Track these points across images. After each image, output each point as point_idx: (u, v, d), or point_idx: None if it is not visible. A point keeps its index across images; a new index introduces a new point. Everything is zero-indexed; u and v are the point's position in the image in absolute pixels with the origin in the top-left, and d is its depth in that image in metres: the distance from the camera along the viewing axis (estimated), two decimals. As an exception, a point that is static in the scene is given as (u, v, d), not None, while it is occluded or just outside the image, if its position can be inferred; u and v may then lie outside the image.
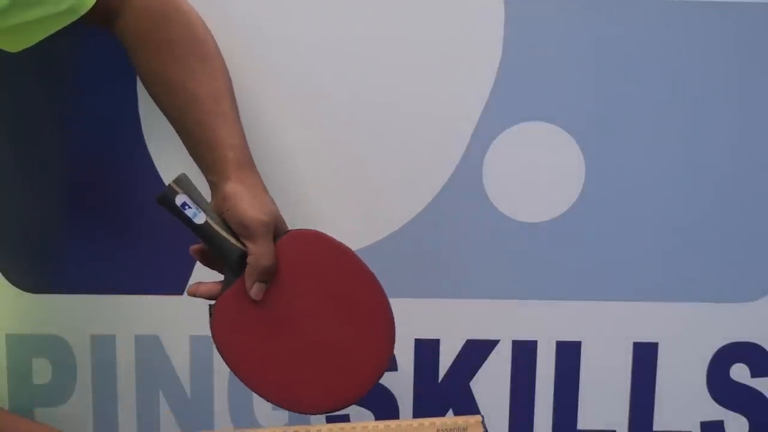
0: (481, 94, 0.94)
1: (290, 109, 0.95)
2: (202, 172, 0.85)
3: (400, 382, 1.00)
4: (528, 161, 0.96)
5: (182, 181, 0.82)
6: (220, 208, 0.82)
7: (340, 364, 0.83)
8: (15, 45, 0.84)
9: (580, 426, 1.01)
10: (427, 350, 0.99)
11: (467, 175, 0.96)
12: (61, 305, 0.98)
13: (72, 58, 0.94)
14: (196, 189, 0.82)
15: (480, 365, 1.00)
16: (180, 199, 0.81)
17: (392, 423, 0.79)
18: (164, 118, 0.94)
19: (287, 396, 0.83)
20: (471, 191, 0.96)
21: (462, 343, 0.99)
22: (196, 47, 0.86)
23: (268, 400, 0.84)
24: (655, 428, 1.01)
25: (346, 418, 1.00)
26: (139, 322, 0.98)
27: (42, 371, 0.99)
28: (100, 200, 0.97)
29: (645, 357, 1.00)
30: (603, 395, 1.00)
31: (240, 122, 0.86)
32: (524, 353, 1.00)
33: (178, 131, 0.87)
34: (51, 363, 0.99)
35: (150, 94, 0.88)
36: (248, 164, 0.84)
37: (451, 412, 1.01)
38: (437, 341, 1.00)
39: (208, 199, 0.84)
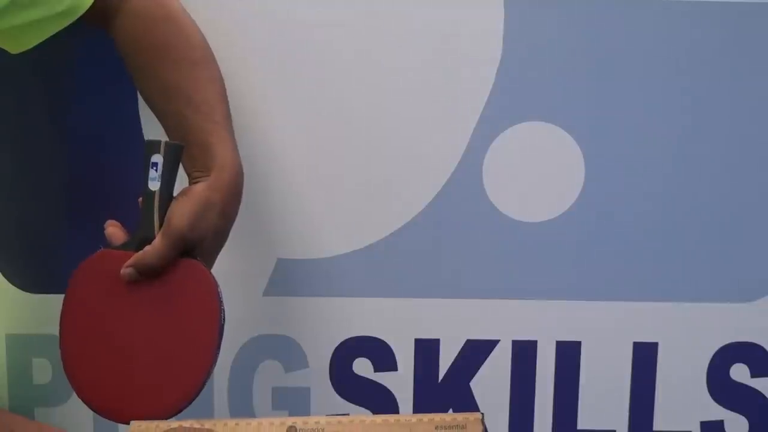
0: (481, 94, 0.94)
1: (289, 110, 0.95)
2: (189, 168, 0.85)
3: (400, 382, 1.00)
4: (528, 161, 0.96)
5: (172, 148, 0.82)
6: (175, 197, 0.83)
7: (150, 387, 0.82)
8: (14, 47, 0.84)
9: (580, 426, 1.01)
10: (427, 350, 0.99)
11: (467, 175, 0.96)
12: (60, 305, 0.98)
13: (72, 58, 0.94)
14: (177, 166, 0.83)
15: (480, 365, 1.00)
16: (156, 158, 0.82)
17: (391, 417, 0.78)
18: (164, 118, 0.94)
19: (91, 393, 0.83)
20: (471, 191, 0.96)
21: (462, 343, 0.99)
22: (191, 52, 0.86)
23: (66, 373, 0.84)
24: (655, 428, 1.01)
25: (346, 418, 1.00)
26: (139, 322, 0.98)
27: (42, 371, 0.99)
28: (100, 200, 0.97)
29: (645, 357, 1.00)
30: (603, 395, 1.00)
31: (232, 130, 0.86)
32: (524, 353, 1.00)
33: (170, 134, 0.87)
34: (51, 363, 0.99)
35: (143, 98, 0.89)
36: (229, 182, 0.84)
37: (451, 411, 1.01)
38: (437, 341, 1.00)
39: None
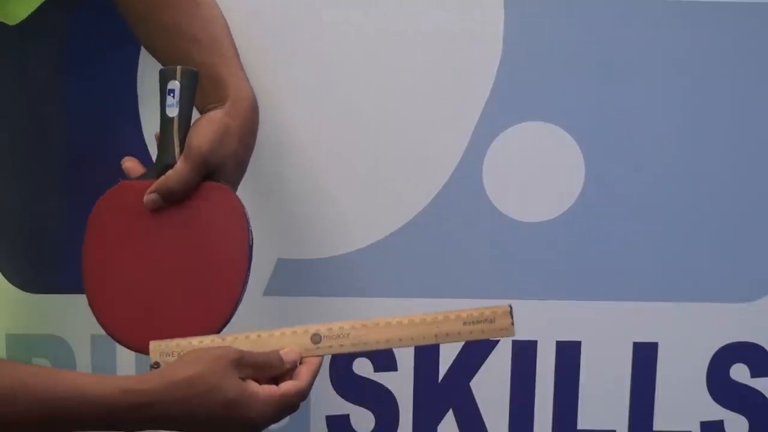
0: (481, 94, 0.94)
1: (288, 110, 0.95)
2: (201, 102, 0.84)
3: (400, 382, 1.00)
4: (528, 161, 0.96)
5: (188, 74, 0.81)
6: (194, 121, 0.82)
7: (177, 317, 0.80)
8: (11, 16, 0.83)
9: (580, 426, 1.01)
10: (427, 350, 0.99)
11: (467, 175, 0.96)
12: (61, 305, 0.98)
13: (72, 58, 0.94)
14: (194, 93, 0.82)
15: (480, 365, 1.00)
16: (173, 84, 0.81)
17: (416, 317, 0.77)
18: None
19: (115, 320, 0.81)
20: (471, 191, 0.96)
21: (462, 342, 0.99)
22: None
23: (92, 308, 0.81)
24: (655, 428, 1.01)
25: (346, 418, 1.00)
26: (139, 322, 0.98)
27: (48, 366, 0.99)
28: (100, 200, 0.97)
29: (645, 357, 1.00)
30: (603, 395, 1.00)
31: (240, 62, 0.86)
32: (524, 353, 1.00)
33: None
34: (51, 363, 0.99)
35: (146, 47, 0.88)
36: (247, 109, 0.84)
37: (451, 411, 1.01)
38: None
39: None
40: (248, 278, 0.81)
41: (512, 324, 0.77)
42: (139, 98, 0.94)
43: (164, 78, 0.81)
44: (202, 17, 0.86)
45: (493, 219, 0.97)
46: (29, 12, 0.83)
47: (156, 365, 0.76)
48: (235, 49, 0.87)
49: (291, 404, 0.75)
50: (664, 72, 0.94)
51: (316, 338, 0.77)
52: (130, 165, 0.84)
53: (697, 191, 0.97)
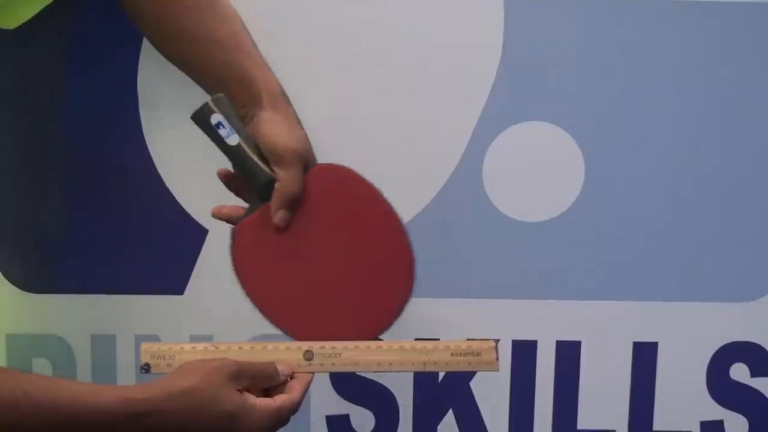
0: (481, 94, 0.94)
1: (290, 109, 0.95)
2: (240, 86, 0.84)
3: (400, 382, 1.00)
4: (528, 161, 0.96)
5: (220, 100, 0.81)
6: (254, 134, 0.82)
7: (354, 300, 0.83)
8: (10, 20, 0.83)
9: (580, 426, 1.01)
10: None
11: (467, 175, 0.96)
12: (61, 305, 0.98)
13: (72, 58, 0.94)
14: (233, 110, 0.82)
15: (480, 365, 1.00)
16: (216, 118, 0.80)
17: (407, 344, 0.79)
18: (164, 117, 0.94)
19: (300, 326, 0.83)
20: (471, 191, 0.96)
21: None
22: None
23: (280, 329, 0.83)
24: (655, 428, 1.01)
25: (346, 418, 1.00)
26: (139, 322, 0.98)
27: (42, 371, 0.99)
28: (100, 200, 0.97)
29: (645, 357, 1.00)
30: (603, 395, 1.00)
31: (263, 57, 0.85)
32: (524, 353, 1.00)
33: (201, 82, 0.86)
34: (51, 363, 0.99)
35: (163, 53, 0.87)
36: (281, 95, 0.84)
37: (451, 411, 1.01)
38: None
39: None
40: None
41: (497, 359, 0.80)
42: (139, 98, 0.94)
43: (202, 118, 0.81)
44: (218, 15, 0.85)
45: (493, 219, 0.97)
46: (27, 18, 0.83)
47: (146, 366, 0.76)
48: (253, 41, 0.86)
49: (284, 418, 0.76)
50: (664, 72, 0.94)
51: (308, 355, 0.79)
52: (228, 212, 0.84)
53: (697, 191, 0.97)
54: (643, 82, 0.94)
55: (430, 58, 0.94)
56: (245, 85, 0.83)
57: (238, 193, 0.85)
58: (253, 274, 0.82)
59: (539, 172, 0.96)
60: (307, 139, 0.84)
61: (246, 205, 0.84)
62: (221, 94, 0.81)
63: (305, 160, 0.82)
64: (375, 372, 0.80)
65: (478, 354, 0.80)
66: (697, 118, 0.95)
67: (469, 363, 0.80)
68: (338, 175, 0.83)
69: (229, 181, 0.85)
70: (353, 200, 0.83)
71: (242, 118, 0.83)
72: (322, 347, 0.79)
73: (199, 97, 0.90)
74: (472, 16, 0.93)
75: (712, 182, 0.96)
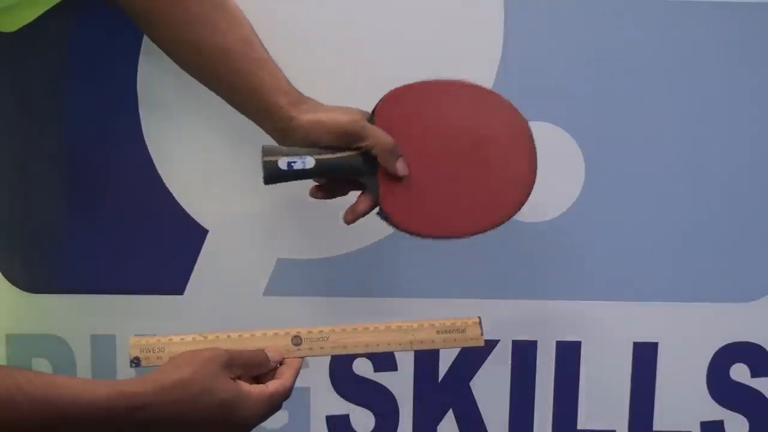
0: (481, 94, 0.94)
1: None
2: (263, 123, 0.85)
3: (400, 382, 1.00)
4: (528, 161, 0.96)
5: (269, 149, 0.82)
6: (311, 142, 0.82)
7: (484, 189, 0.85)
8: (9, 24, 0.83)
9: (580, 426, 1.01)
10: (427, 350, 0.99)
11: (467, 175, 0.96)
12: (61, 305, 0.98)
13: (72, 58, 0.94)
14: (282, 147, 0.83)
15: (480, 365, 1.00)
16: (282, 162, 0.81)
17: (393, 324, 0.81)
18: (164, 117, 0.94)
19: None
20: (471, 191, 0.96)
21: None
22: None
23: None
24: (655, 428, 1.01)
25: (346, 419, 1.00)
26: (139, 322, 0.98)
27: (42, 371, 0.99)
28: (100, 200, 0.97)
29: (645, 357, 1.00)
30: (603, 395, 1.00)
31: (273, 60, 0.86)
32: (524, 353, 1.00)
33: (218, 91, 0.86)
34: (51, 363, 0.99)
35: (177, 62, 0.87)
36: (302, 97, 0.84)
37: (451, 411, 1.01)
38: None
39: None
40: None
41: (481, 334, 0.81)
42: (139, 98, 0.94)
43: (274, 172, 0.81)
44: (226, 21, 0.85)
45: (493, 219, 0.97)
46: (28, 21, 0.83)
47: (136, 360, 0.77)
48: (263, 46, 0.86)
49: (277, 404, 0.76)
50: (665, 72, 0.94)
51: (296, 340, 0.79)
52: (360, 209, 0.85)
53: (697, 191, 0.97)
54: (643, 82, 0.94)
55: (430, 58, 0.94)
56: (262, 96, 0.83)
57: (338, 194, 0.87)
58: (417, 220, 0.84)
59: (539, 172, 0.96)
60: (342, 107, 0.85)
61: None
62: (263, 145, 0.82)
63: (364, 114, 0.83)
64: (363, 353, 0.81)
65: (463, 330, 0.81)
66: (697, 118, 0.95)
67: (455, 340, 0.81)
68: (401, 99, 0.84)
69: (323, 193, 0.86)
70: (431, 108, 0.85)
71: (278, 132, 0.84)
72: (310, 332, 0.80)
73: (199, 97, 0.90)
74: (473, 16, 0.93)
75: (712, 182, 0.96)
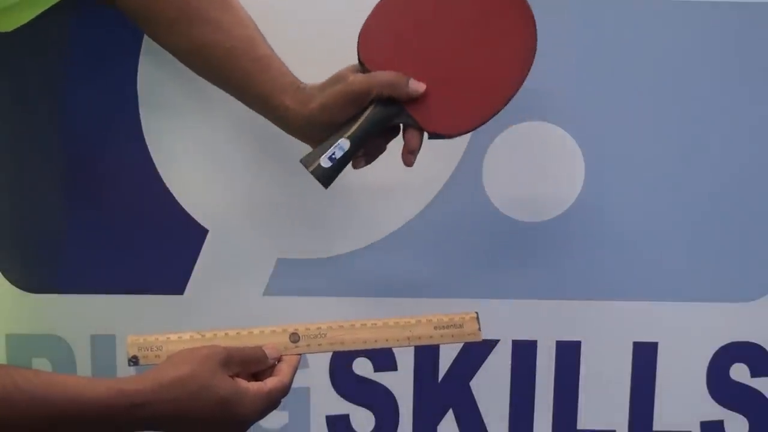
0: (481, 94, 0.94)
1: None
2: (278, 124, 0.85)
3: (400, 382, 1.00)
4: (528, 161, 0.96)
5: (306, 159, 0.82)
6: (327, 126, 0.82)
7: (495, 60, 0.83)
8: (8, 23, 0.83)
9: (580, 426, 1.01)
10: (427, 350, 0.99)
11: (467, 175, 0.96)
12: (61, 305, 0.98)
13: (72, 58, 0.94)
14: (313, 149, 0.82)
15: (480, 365, 1.00)
16: (324, 160, 0.81)
17: (390, 320, 0.81)
18: (164, 117, 0.94)
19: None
20: (471, 191, 0.96)
21: (462, 343, 0.99)
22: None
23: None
24: (655, 428, 1.01)
25: (346, 419, 1.00)
26: (139, 322, 0.98)
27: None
28: (100, 200, 0.97)
29: (645, 357, 1.00)
30: (603, 395, 1.00)
31: (275, 53, 0.86)
32: (524, 353, 1.00)
33: (227, 91, 0.86)
34: (51, 363, 0.99)
35: (182, 61, 0.87)
36: (306, 92, 0.84)
37: (451, 411, 1.01)
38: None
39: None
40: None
41: (479, 329, 0.81)
42: (139, 98, 0.94)
43: (325, 174, 0.81)
44: (231, 21, 0.84)
45: (493, 219, 0.97)
46: (25, 21, 0.83)
47: (134, 359, 0.77)
48: (269, 45, 0.86)
49: (276, 400, 0.76)
50: (664, 72, 0.94)
51: (294, 337, 0.79)
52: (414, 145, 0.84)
53: (696, 191, 0.97)
54: (643, 82, 0.94)
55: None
56: (269, 96, 0.83)
57: (383, 149, 0.85)
58: (469, 113, 0.83)
59: (539, 172, 0.96)
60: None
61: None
62: (299, 160, 0.82)
63: (353, 68, 0.83)
64: (361, 349, 0.81)
65: (460, 326, 0.81)
66: (697, 118, 0.95)
67: (453, 335, 0.81)
68: (370, 30, 0.84)
69: (366, 157, 0.85)
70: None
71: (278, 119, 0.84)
72: (308, 328, 0.80)
73: (200, 97, 0.90)
74: (472, 16, 0.93)
75: (712, 182, 0.96)
